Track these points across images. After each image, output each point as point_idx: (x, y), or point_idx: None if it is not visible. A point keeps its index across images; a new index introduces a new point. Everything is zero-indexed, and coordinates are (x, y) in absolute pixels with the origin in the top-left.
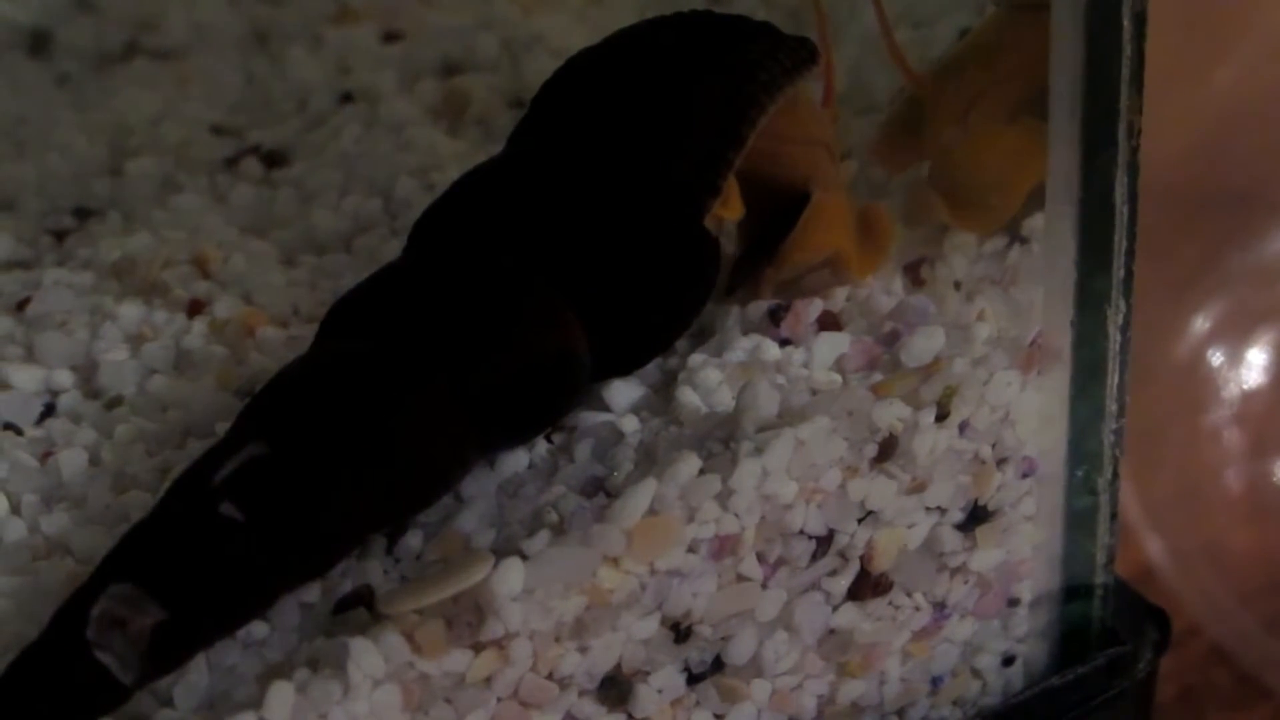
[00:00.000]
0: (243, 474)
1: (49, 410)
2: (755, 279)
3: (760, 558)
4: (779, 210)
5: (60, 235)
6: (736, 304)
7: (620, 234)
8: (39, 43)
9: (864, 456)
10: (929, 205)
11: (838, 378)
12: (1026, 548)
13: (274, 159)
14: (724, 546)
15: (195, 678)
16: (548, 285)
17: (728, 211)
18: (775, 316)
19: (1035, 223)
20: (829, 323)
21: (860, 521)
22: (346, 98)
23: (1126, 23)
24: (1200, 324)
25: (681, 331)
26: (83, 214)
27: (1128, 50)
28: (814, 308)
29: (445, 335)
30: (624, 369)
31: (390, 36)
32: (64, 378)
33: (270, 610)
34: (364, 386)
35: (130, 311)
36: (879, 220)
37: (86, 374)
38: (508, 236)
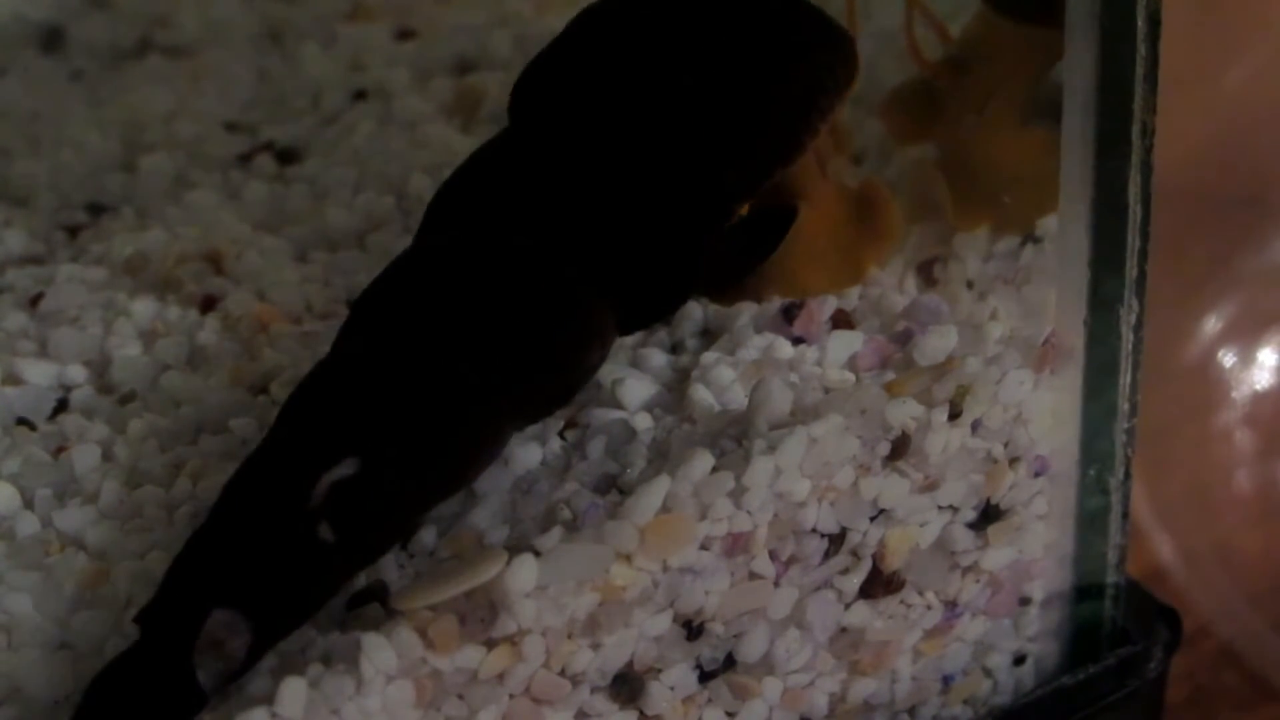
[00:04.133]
0: (338, 497)
1: (62, 405)
2: (724, 294)
3: (773, 555)
4: (759, 214)
5: (73, 231)
6: (751, 301)
7: (652, 229)
8: (53, 39)
9: (877, 455)
10: (935, 198)
11: (851, 376)
12: (1038, 547)
13: (287, 156)
14: (736, 544)
15: None
16: (573, 267)
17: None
18: (788, 315)
19: (1048, 222)
20: (842, 321)
21: (872, 520)
22: (360, 95)
23: (1141, 23)
24: (1211, 325)
25: (678, 304)
26: (96, 210)
27: (1142, 50)
28: (827, 306)
29: (481, 324)
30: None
31: (404, 34)
32: (77, 373)
33: None
34: (441, 396)
35: (143, 307)
36: (881, 206)
37: (99, 369)
38: (529, 218)
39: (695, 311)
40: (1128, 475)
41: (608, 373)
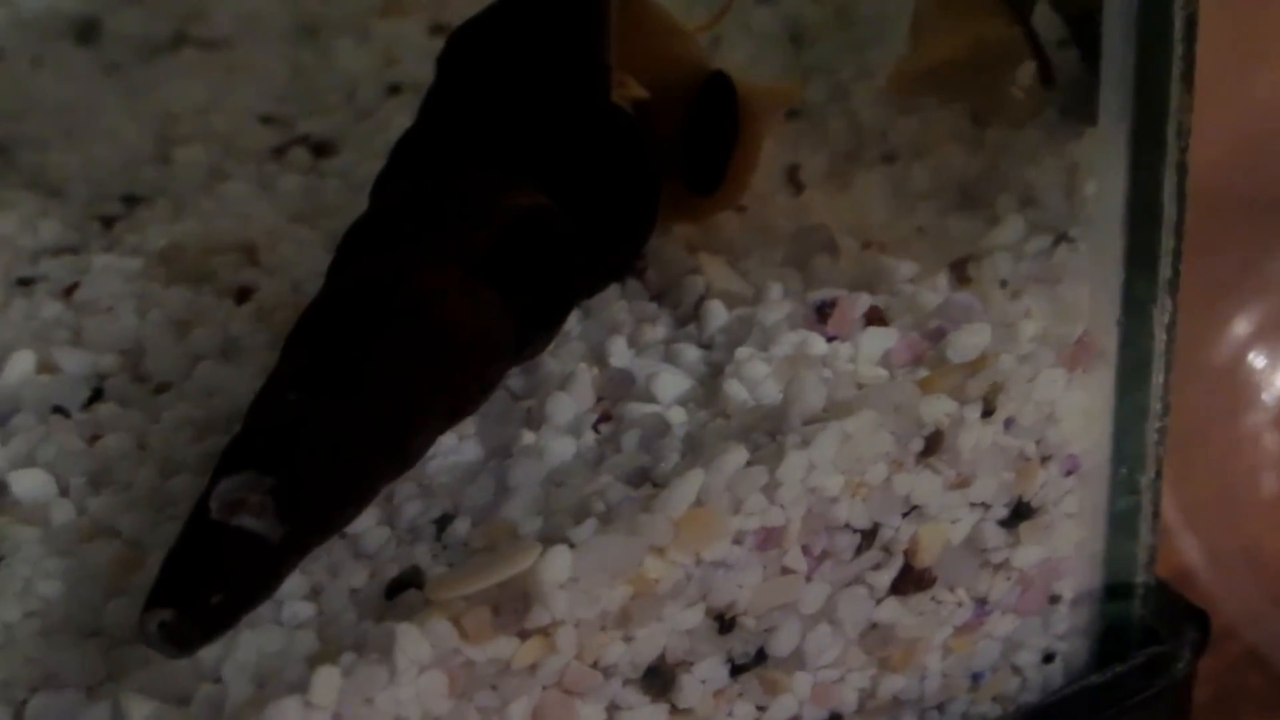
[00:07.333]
0: (298, 375)
1: (97, 394)
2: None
3: (805, 550)
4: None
5: (108, 221)
6: (788, 303)
7: (556, 123)
8: (88, 31)
9: (909, 451)
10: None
11: (884, 372)
12: (1068, 545)
13: (322, 149)
14: (769, 538)
15: (244, 656)
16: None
17: (630, 90)
18: (822, 312)
19: (1082, 223)
20: (875, 318)
21: (904, 516)
22: (394, 89)
23: (1178, 23)
24: (1241, 327)
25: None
26: (131, 201)
27: (1179, 50)
28: (860, 303)
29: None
30: (609, 258)
31: (438, 29)
32: (111, 362)
33: (323, 589)
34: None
35: (177, 297)
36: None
37: (134, 359)
38: (476, 158)
39: (720, 310)
40: (1158, 475)
41: (642, 367)
